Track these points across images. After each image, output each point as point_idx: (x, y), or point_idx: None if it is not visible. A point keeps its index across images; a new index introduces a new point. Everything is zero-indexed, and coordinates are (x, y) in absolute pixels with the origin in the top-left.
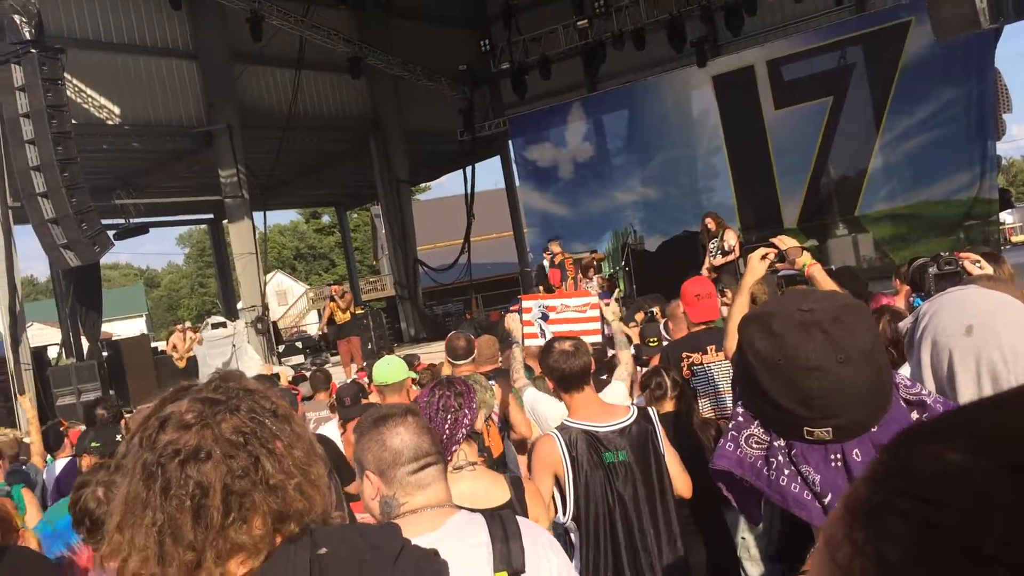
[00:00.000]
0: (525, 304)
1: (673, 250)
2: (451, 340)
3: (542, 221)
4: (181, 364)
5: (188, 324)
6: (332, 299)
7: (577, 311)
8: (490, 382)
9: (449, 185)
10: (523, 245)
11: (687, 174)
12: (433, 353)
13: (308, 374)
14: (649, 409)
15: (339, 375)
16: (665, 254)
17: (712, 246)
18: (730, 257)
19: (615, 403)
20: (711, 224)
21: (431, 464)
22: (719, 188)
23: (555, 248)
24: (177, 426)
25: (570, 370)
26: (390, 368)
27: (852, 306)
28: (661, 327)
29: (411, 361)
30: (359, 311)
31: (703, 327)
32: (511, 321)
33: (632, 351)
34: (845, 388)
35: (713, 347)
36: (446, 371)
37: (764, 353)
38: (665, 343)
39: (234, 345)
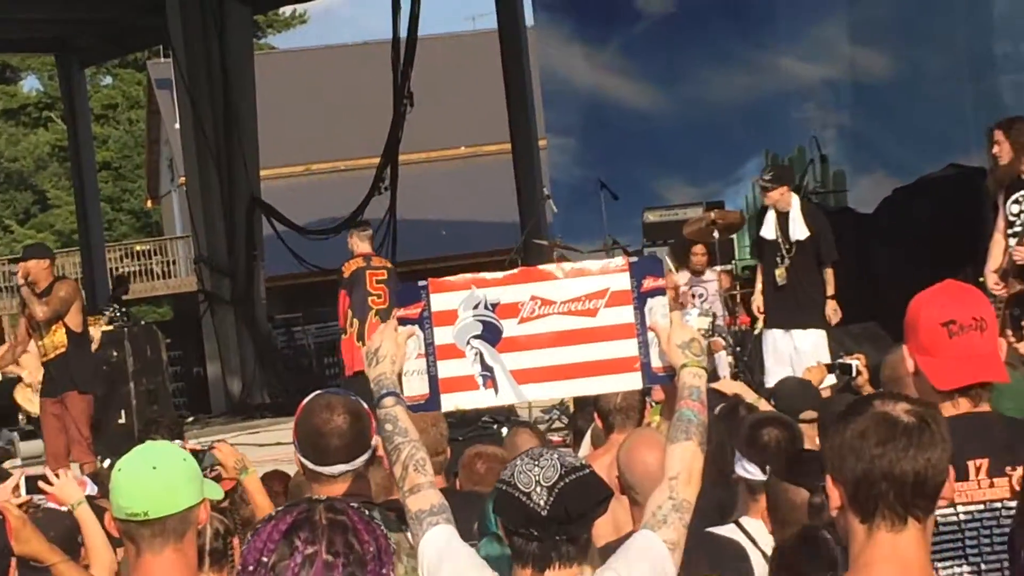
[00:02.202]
0: (437, 300)
1: (922, 210)
2: (315, 416)
3: (586, 120)
4: None
5: None
6: (28, 293)
7: (581, 305)
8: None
9: (353, 15)
10: (535, 174)
11: (960, 19)
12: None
13: None
14: None
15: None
16: (899, 219)
17: (1017, 204)
18: None
19: None
20: (999, 151)
21: None
22: None
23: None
24: None
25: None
26: (157, 480)
27: None
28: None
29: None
30: (102, 324)
31: (964, 403)
32: (384, 343)
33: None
34: None
35: (986, 464)
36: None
37: None
38: None
39: None
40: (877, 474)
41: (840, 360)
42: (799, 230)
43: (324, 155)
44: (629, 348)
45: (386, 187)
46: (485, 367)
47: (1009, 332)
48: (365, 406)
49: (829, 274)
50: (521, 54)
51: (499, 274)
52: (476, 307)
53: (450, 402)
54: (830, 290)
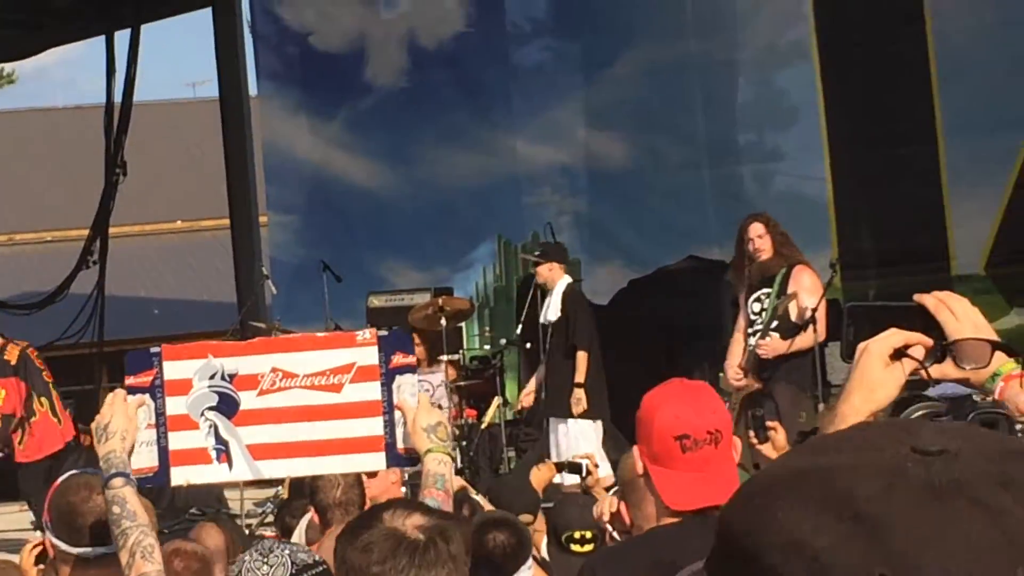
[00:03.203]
0: (171, 368)
1: (656, 301)
2: (72, 494)
3: (310, 197)
4: None
5: None
6: None
7: (325, 379)
8: None
9: (67, 77)
10: (254, 251)
11: (699, 107)
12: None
13: None
14: None
15: None
16: (630, 311)
17: (759, 302)
18: (801, 342)
19: None
20: (760, 245)
21: None
22: (792, 153)
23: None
24: None
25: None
26: None
27: None
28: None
29: None
30: None
31: (695, 520)
32: (115, 418)
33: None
34: None
35: None
36: None
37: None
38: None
39: None
40: None
41: (569, 459)
42: (553, 311)
43: (30, 224)
44: (374, 427)
45: (95, 261)
46: (220, 440)
47: (752, 433)
48: None
49: (580, 360)
50: (243, 124)
51: (239, 343)
52: (212, 377)
53: (180, 476)
54: (578, 377)
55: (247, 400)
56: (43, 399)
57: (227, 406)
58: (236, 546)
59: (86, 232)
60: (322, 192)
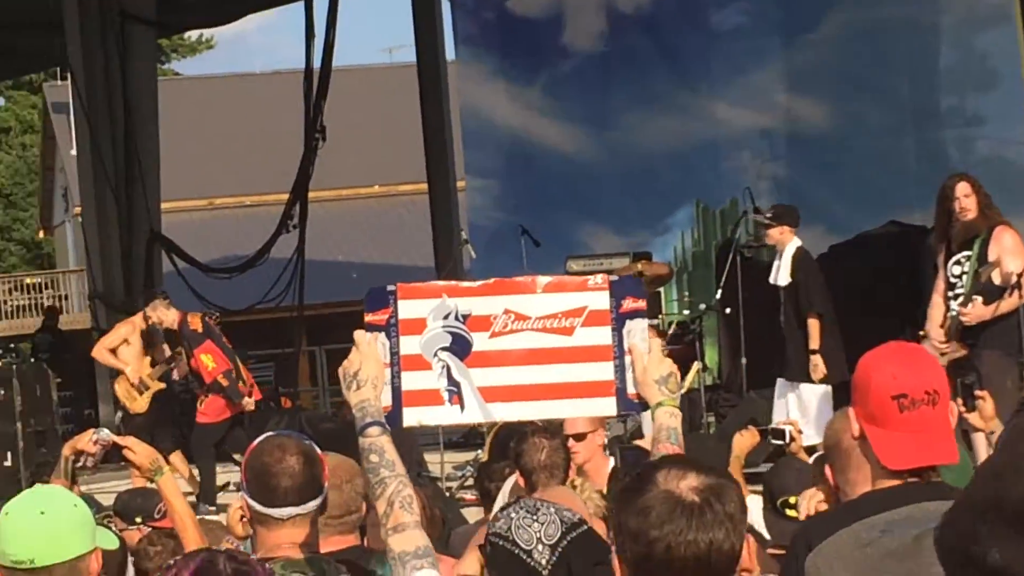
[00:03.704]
0: (406, 307)
1: (856, 266)
2: (266, 455)
3: (509, 162)
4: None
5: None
6: None
7: (557, 322)
8: None
9: (264, 43)
10: (453, 216)
11: (902, 71)
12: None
13: None
14: None
15: None
16: (835, 277)
17: (959, 265)
18: (1006, 306)
19: None
20: (966, 204)
21: None
22: (993, 117)
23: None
24: None
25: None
26: (45, 527)
27: None
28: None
29: (139, 508)
30: None
31: (911, 482)
32: (364, 365)
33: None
34: None
35: None
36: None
37: None
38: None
39: None
40: (656, 557)
41: (773, 426)
42: (782, 276)
43: (229, 189)
44: (604, 371)
45: (294, 225)
46: (452, 381)
47: (960, 401)
48: (319, 450)
49: (812, 326)
50: (440, 90)
51: (473, 284)
52: (446, 317)
53: (413, 417)
54: (812, 343)
55: (479, 341)
56: (233, 362)
57: (460, 347)
58: (433, 509)
59: (284, 197)
60: (520, 157)
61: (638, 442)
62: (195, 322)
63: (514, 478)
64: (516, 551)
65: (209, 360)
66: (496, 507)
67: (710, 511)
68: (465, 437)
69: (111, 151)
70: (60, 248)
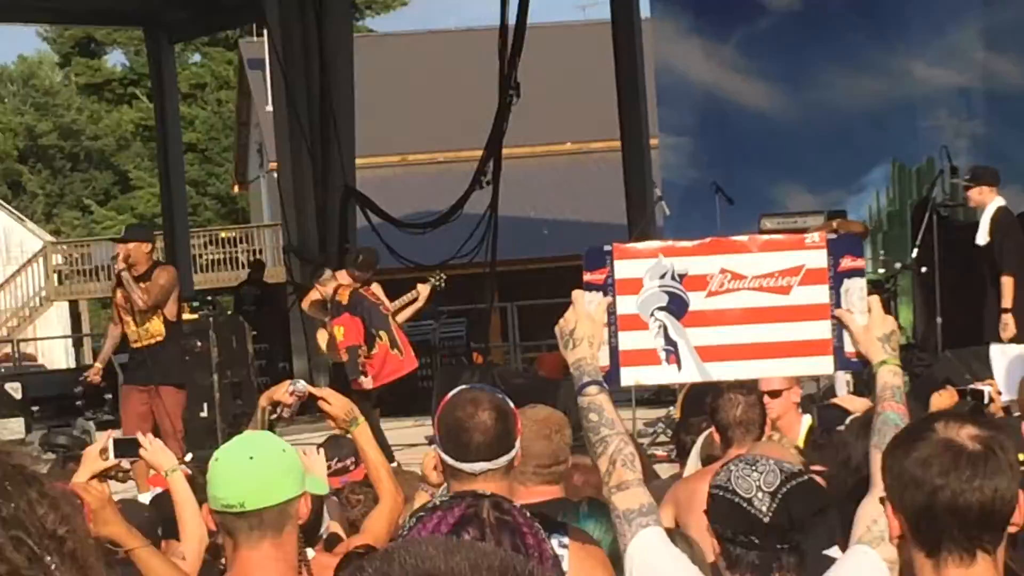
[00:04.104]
0: (622, 267)
1: None
2: (459, 410)
3: (703, 119)
4: None
5: None
6: (119, 281)
7: (774, 281)
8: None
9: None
10: (646, 174)
11: None
12: (399, 449)
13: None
14: None
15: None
16: None
17: None
18: None
19: None
20: None
21: None
22: None
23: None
24: None
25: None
26: (254, 471)
27: None
28: None
29: (341, 449)
30: (187, 313)
31: None
32: (581, 323)
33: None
34: None
35: None
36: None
37: None
38: None
39: None
40: (940, 506)
41: (972, 386)
42: (981, 235)
43: (421, 146)
44: (822, 330)
45: (487, 181)
46: (669, 341)
47: None
48: (512, 405)
49: (1005, 284)
50: (635, 47)
51: (688, 243)
52: (663, 277)
53: (630, 376)
54: (1004, 302)
55: (696, 301)
56: (382, 333)
57: (676, 307)
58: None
59: (476, 153)
60: (715, 114)
61: (834, 400)
62: (344, 294)
63: (708, 433)
64: (736, 500)
65: (340, 332)
66: (690, 462)
67: (994, 459)
68: (656, 394)
69: (306, 107)
70: (254, 203)
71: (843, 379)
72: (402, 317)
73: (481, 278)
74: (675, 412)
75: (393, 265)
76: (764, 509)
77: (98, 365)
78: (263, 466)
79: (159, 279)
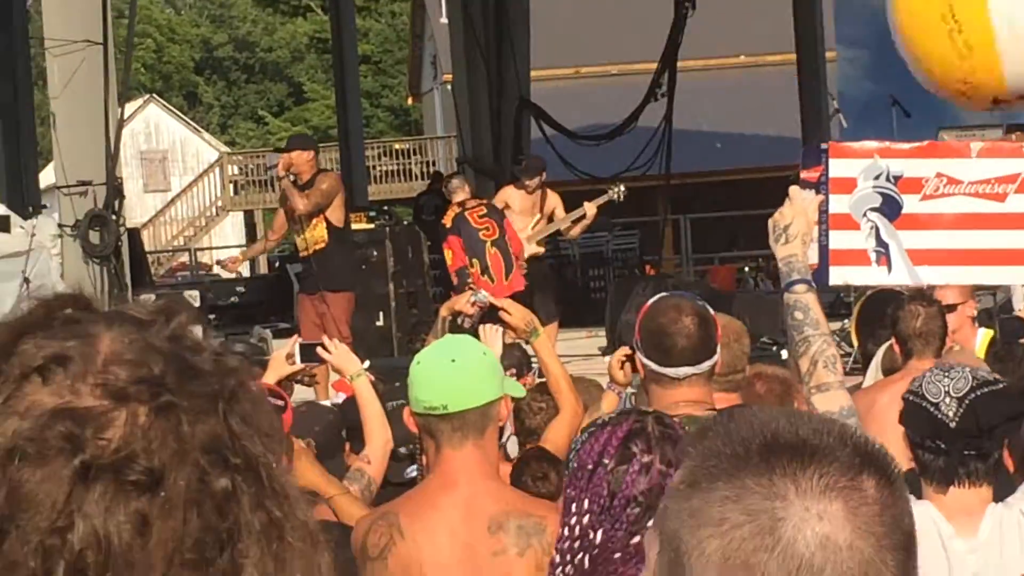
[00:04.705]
0: (837, 165)
1: None
2: (662, 316)
3: (879, 32)
4: None
5: None
6: (290, 182)
7: (990, 188)
8: None
9: None
10: (821, 87)
11: None
12: (573, 359)
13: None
14: None
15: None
16: None
17: None
18: None
19: None
20: None
21: None
22: None
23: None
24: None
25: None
26: (457, 374)
27: None
28: None
29: (521, 362)
30: (363, 223)
31: None
32: (796, 220)
33: None
34: None
35: None
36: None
37: None
38: None
39: (26, 280)
40: None
41: None
42: None
43: (595, 58)
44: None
45: (663, 94)
46: (880, 242)
47: None
48: (712, 311)
49: None
50: None
51: (906, 145)
52: (877, 178)
53: (839, 276)
54: None
55: (910, 204)
56: (474, 260)
57: (889, 208)
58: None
59: (649, 66)
60: None
61: (1017, 312)
62: (447, 218)
63: (888, 344)
64: (924, 404)
65: (448, 255)
66: (869, 373)
67: None
68: (831, 306)
69: (481, 19)
70: (428, 115)
71: (1021, 292)
72: (574, 233)
73: (653, 191)
74: (850, 324)
75: (567, 177)
76: (951, 414)
77: (239, 256)
78: (465, 369)
79: (321, 184)
